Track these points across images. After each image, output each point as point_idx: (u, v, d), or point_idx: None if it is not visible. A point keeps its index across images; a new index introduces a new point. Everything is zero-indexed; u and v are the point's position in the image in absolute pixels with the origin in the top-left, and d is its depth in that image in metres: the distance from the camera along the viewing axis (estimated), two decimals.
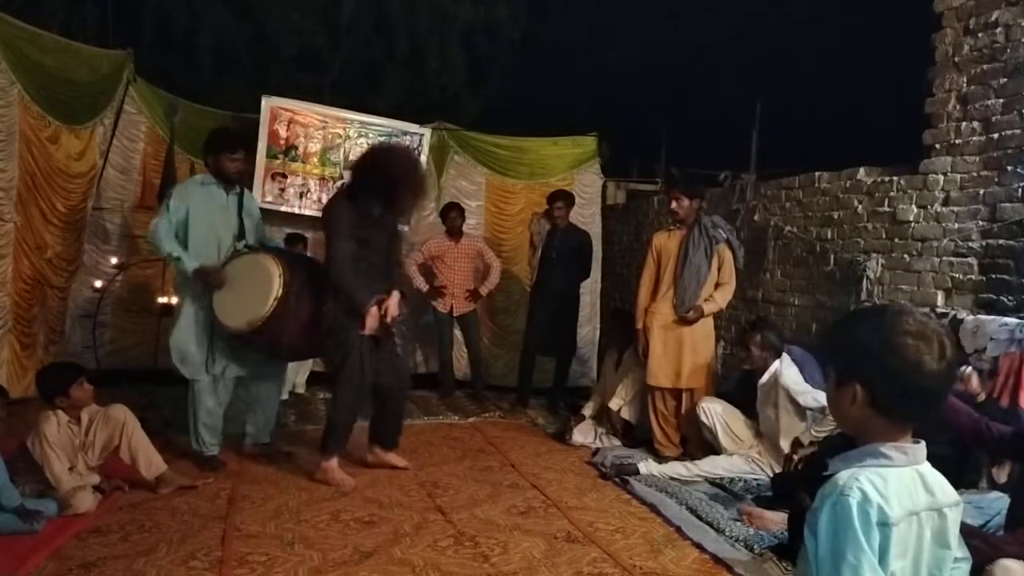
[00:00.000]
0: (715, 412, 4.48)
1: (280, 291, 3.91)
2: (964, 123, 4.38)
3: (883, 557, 1.20)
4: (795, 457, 3.92)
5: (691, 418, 4.72)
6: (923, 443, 1.30)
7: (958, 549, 1.33)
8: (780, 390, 4.23)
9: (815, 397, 4.11)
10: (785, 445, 4.21)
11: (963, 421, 2.83)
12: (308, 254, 5.96)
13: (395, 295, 4.23)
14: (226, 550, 3.14)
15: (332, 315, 4.03)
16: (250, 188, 5.49)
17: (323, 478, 4.04)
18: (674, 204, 4.83)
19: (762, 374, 4.36)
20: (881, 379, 1.26)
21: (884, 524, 1.20)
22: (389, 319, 4.16)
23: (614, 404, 5.13)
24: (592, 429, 5.22)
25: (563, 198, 6.22)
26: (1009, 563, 2.57)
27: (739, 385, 4.90)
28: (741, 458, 4.39)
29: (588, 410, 5.42)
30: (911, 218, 4.67)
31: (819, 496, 1.26)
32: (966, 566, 1.35)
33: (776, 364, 4.31)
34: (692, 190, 4.89)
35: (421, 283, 6.32)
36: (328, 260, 4.07)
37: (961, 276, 4.33)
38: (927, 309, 4.32)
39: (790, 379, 4.21)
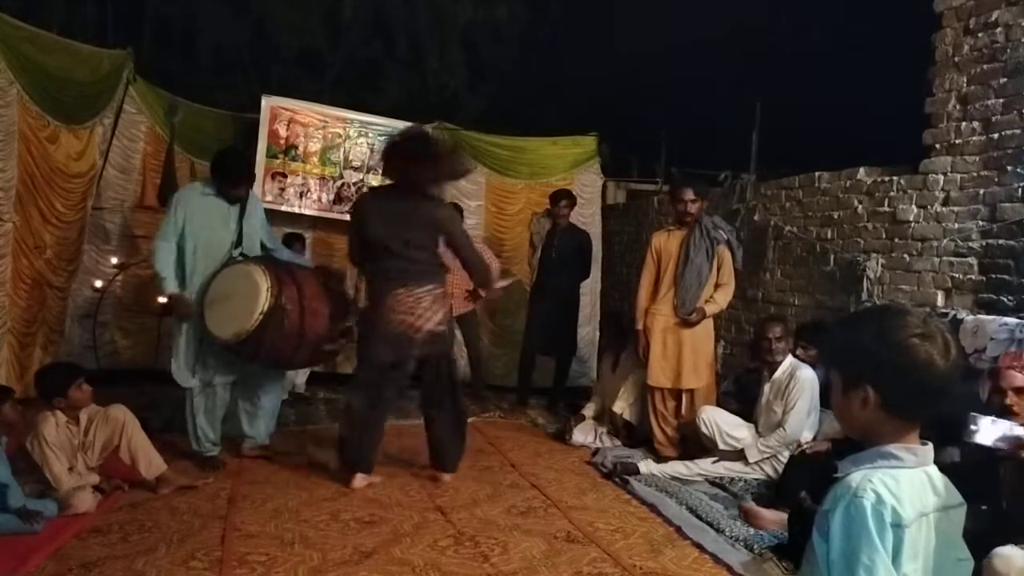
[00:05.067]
0: (714, 421, 4.45)
1: (267, 305, 3.87)
2: (964, 123, 4.38)
3: (895, 559, 1.19)
4: (807, 451, 3.91)
5: (691, 418, 4.71)
6: (931, 444, 1.30)
7: (961, 550, 1.33)
8: (795, 383, 4.21)
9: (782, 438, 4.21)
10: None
11: None
12: (305, 256, 5.97)
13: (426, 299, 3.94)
14: (226, 550, 3.14)
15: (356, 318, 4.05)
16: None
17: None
18: (689, 206, 4.78)
19: (775, 369, 4.34)
20: (893, 381, 1.26)
21: (897, 526, 1.19)
22: (421, 327, 3.92)
23: (618, 407, 5.12)
24: (592, 429, 5.22)
25: (566, 197, 6.23)
26: (1007, 551, 2.56)
27: (739, 387, 4.90)
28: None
29: (589, 411, 5.42)
30: (911, 218, 4.67)
31: (830, 498, 1.25)
32: (968, 566, 1.35)
33: (790, 360, 4.31)
34: (703, 191, 4.90)
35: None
36: None
37: (961, 276, 4.33)
38: (927, 309, 4.33)
39: (807, 379, 4.20)
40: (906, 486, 1.23)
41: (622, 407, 5.11)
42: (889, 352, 1.25)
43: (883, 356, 1.26)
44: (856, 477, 1.24)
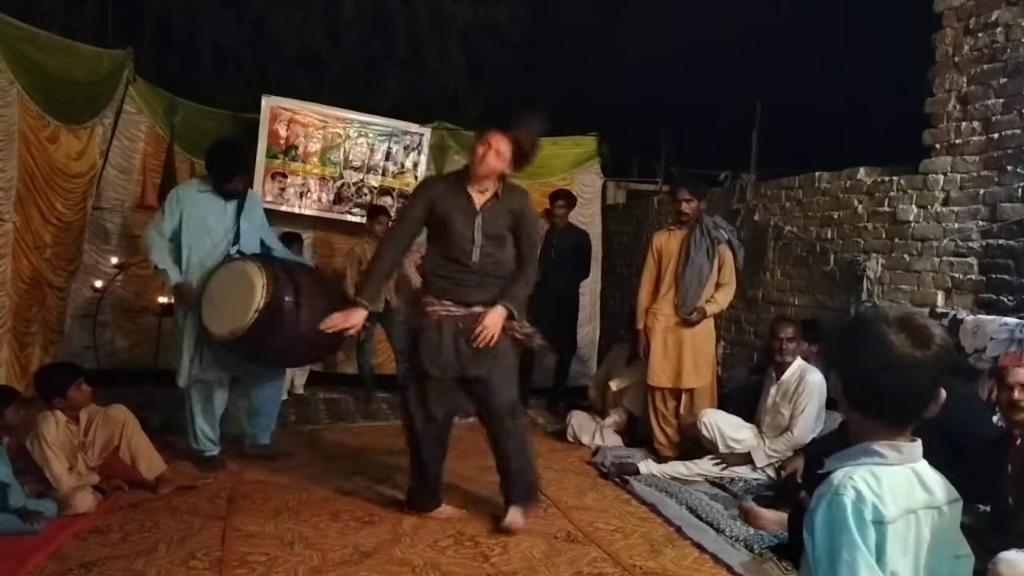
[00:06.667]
0: (715, 424, 4.44)
1: (262, 302, 3.86)
2: (964, 123, 4.38)
3: (880, 556, 1.20)
4: (783, 472, 3.96)
5: (691, 418, 4.71)
6: (919, 441, 1.31)
7: (959, 546, 1.33)
8: (805, 387, 4.20)
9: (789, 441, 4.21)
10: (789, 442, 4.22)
11: None
12: (305, 256, 5.96)
13: (497, 311, 3.39)
14: (226, 550, 3.14)
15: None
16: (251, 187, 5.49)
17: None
18: (683, 205, 4.81)
19: (783, 370, 4.33)
20: (850, 373, 1.30)
21: (879, 522, 1.20)
22: (476, 342, 3.37)
23: (615, 384, 5.16)
24: (592, 429, 5.21)
25: (564, 197, 6.23)
26: (1012, 556, 2.55)
27: (742, 387, 4.90)
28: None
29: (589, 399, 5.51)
30: (911, 218, 4.67)
31: (815, 496, 1.27)
32: (968, 563, 1.34)
33: (799, 362, 4.31)
34: (699, 191, 4.90)
35: (419, 283, 6.30)
36: None
37: (961, 276, 4.33)
38: (927, 309, 4.33)
39: (816, 383, 4.19)
40: (888, 483, 1.24)
41: (618, 384, 5.15)
42: (848, 341, 1.31)
43: (843, 346, 1.32)
44: (838, 475, 1.26)
